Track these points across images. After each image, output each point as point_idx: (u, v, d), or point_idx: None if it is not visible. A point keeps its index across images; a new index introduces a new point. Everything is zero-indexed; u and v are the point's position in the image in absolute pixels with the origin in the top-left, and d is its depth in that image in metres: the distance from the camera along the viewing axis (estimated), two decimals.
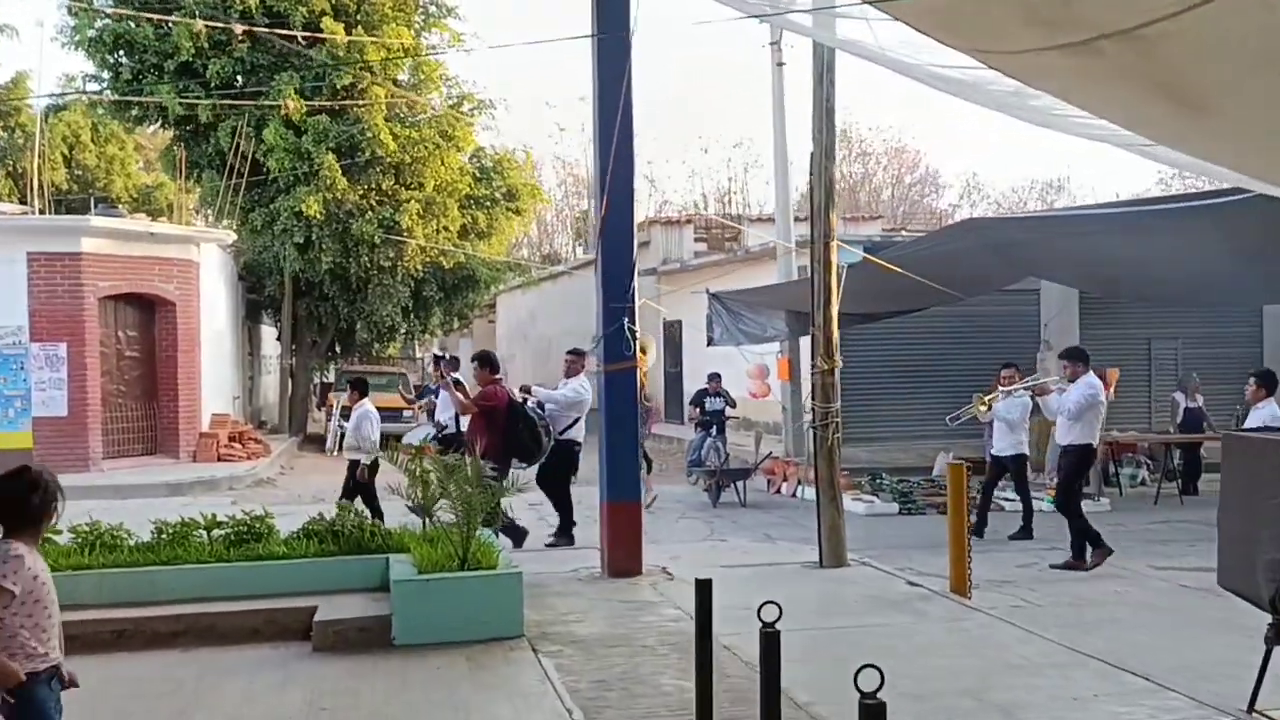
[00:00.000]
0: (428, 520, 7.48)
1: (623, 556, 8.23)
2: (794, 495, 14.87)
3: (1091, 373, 10.13)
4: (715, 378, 15.97)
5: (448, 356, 14.18)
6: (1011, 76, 5.80)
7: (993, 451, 11.46)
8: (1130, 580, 9.18)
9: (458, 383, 11.40)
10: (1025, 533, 11.12)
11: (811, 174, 8.63)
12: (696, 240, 26.35)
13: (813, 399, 8.82)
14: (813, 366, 8.81)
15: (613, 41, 8.04)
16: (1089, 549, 9.59)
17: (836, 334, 8.66)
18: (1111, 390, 15.45)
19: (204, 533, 7.33)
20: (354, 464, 10.30)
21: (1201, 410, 15.05)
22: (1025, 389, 11.84)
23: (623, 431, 8.36)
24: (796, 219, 19.60)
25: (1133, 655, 6.46)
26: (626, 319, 8.23)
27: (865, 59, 7.23)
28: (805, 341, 18.03)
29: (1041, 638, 6.39)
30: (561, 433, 10.38)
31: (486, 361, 9.96)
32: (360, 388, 10.88)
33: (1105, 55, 4.73)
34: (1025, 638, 6.40)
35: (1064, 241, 12.27)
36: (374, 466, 10.15)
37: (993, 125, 57.62)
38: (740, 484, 13.92)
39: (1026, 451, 11.82)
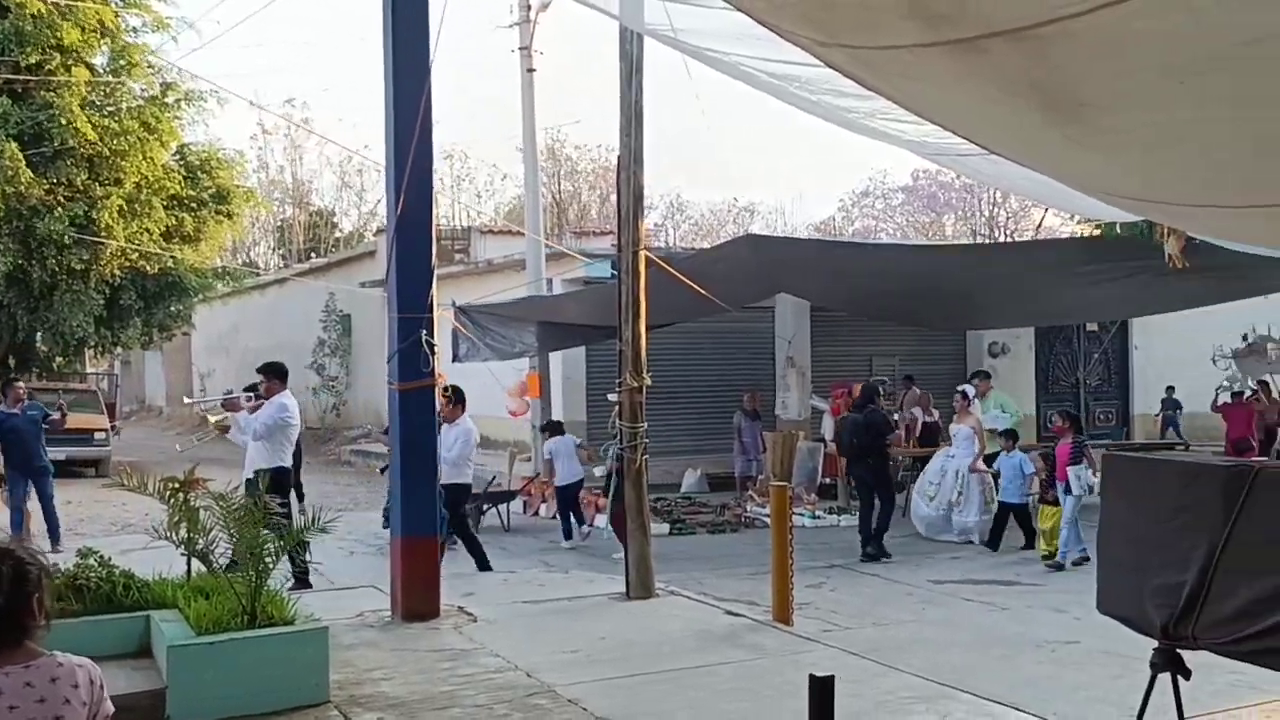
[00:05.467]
0: (193, 567, 6.32)
1: (419, 598, 7.33)
2: (554, 518, 14.28)
3: (288, 392, 8.87)
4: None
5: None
6: (860, 76, 5.49)
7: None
8: (920, 597, 9.26)
9: None
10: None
11: (619, 179, 8.11)
12: None
13: (619, 419, 8.27)
14: (619, 385, 8.27)
15: (412, 19, 7.19)
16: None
17: (646, 349, 8.17)
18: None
19: None
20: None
21: (937, 424, 15.80)
22: (211, 402, 11.81)
23: (419, 458, 7.46)
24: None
25: (965, 678, 6.36)
26: (424, 332, 7.35)
27: (683, 52, 6.81)
28: (554, 358, 17.60)
29: (897, 670, 6.13)
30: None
31: None
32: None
33: (990, 55, 4.44)
34: (880, 670, 6.13)
35: (827, 263, 12.60)
36: None
37: (691, 147, 59.68)
38: (504, 508, 13.18)
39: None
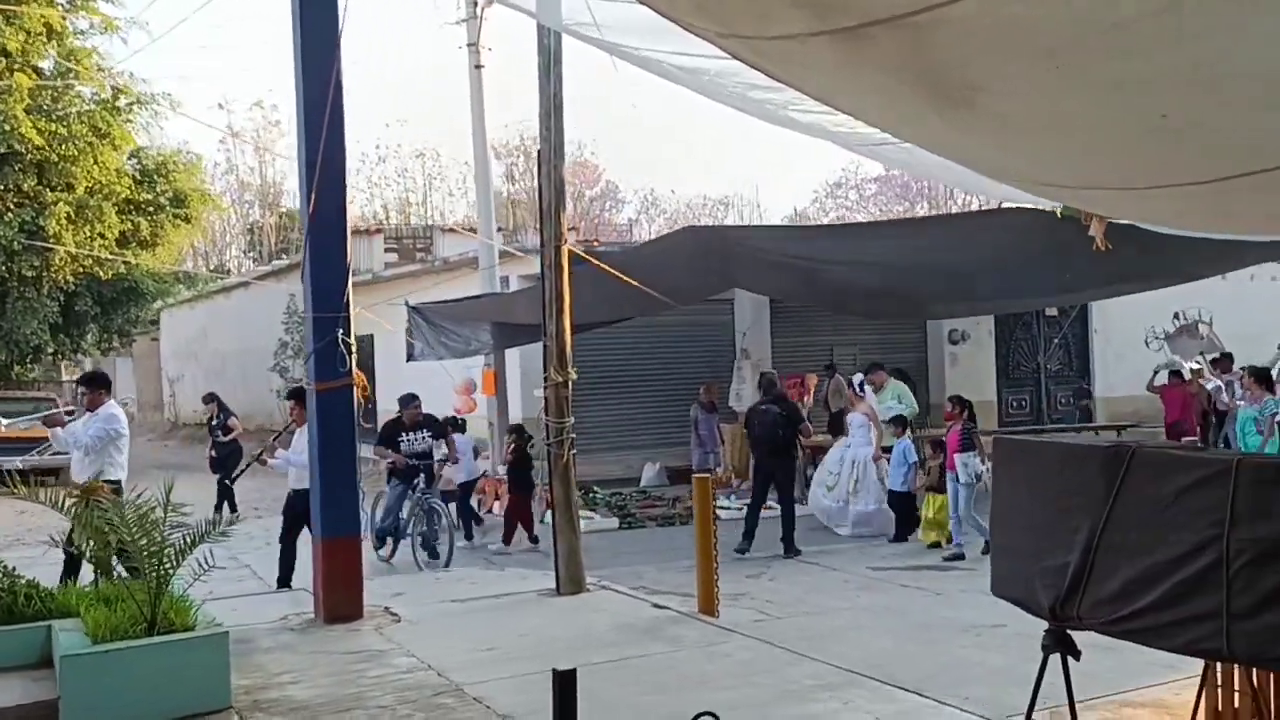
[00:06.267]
0: (100, 576, 6.25)
1: (341, 599, 7.27)
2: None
3: (113, 401, 8.54)
4: (412, 401, 11.53)
5: None
6: (763, 67, 5.48)
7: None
8: (857, 584, 9.25)
9: None
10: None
11: (541, 173, 8.06)
12: (387, 250, 25.13)
13: (545, 414, 8.22)
14: (545, 380, 8.22)
15: (320, 8, 7.11)
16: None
17: (570, 344, 8.13)
18: (810, 396, 16.06)
19: None
20: None
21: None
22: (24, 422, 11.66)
23: (338, 459, 7.40)
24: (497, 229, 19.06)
25: (886, 663, 6.37)
26: (340, 331, 7.29)
27: (598, 47, 6.77)
28: (511, 354, 17.52)
29: (808, 658, 6.11)
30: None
31: None
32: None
33: (876, 43, 4.43)
34: (792, 659, 6.11)
35: (771, 255, 12.54)
36: None
37: (667, 142, 59.72)
38: (452, 506, 13.10)
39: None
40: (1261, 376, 10.70)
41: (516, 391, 17.83)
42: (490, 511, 14.52)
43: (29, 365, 23.25)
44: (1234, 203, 5.34)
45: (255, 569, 10.33)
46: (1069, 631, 4.74)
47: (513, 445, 12.31)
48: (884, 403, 12.79)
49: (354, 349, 7.36)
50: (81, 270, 20.14)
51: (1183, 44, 3.69)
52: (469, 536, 12.13)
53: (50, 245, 18.92)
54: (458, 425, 13.08)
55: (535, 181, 8.04)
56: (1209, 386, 12.61)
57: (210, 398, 15.12)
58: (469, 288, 17.55)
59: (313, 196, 7.16)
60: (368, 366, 23.43)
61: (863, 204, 47.42)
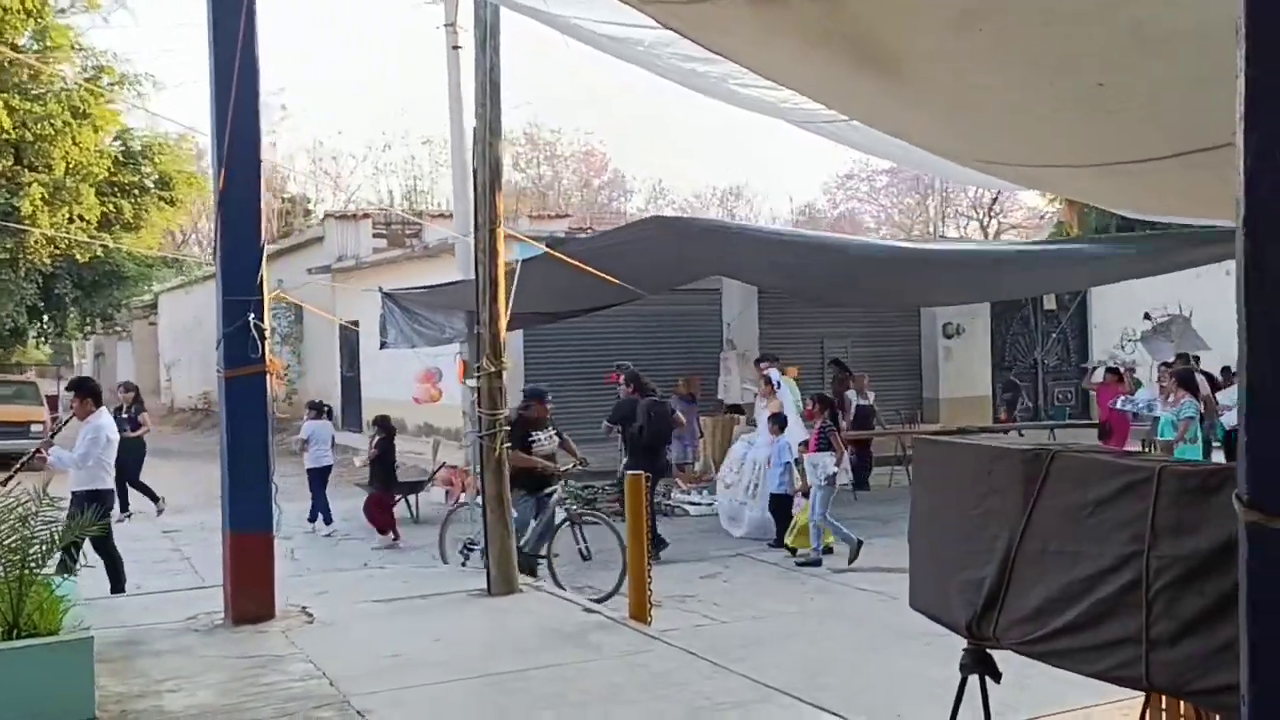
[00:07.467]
0: None
1: (250, 599, 6.86)
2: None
3: None
4: (541, 395, 9.48)
5: None
6: (692, 35, 5.06)
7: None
8: (813, 586, 8.83)
9: None
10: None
11: (475, 152, 7.62)
12: (376, 236, 24.68)
13: (478, 405, 7.80)
14: (478, 369, 7.80)
15: None
16: None
17: (504, 332, 7.70)
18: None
19: None
20: None
21: (871, 407, 15.32)
22: None
23: (249, 449, 6.99)
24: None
25: (821, 674, 5.98)
26: (253, 315, 6.88)
27: (532, 17, 6.35)
28: None
29: (728, 671, 5.67)
30: None
31: None
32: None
33: (791, 8, 4.03)
34: (711, 672, 5.67)
35: (744, 245, 12.09)
36: None
37: (676, 131, 58.99)
38: (413, 498, 12.74)
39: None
40: (1185, 380, 9.90)
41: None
42: (460, 502, 14.12)
43: (7, 348, 22.93)
44: (1181, 183, 4.87)
45: (194, 563, 10.00)
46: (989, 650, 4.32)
47: (377, 438, 11.88)
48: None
49: (267, 334, 6.95)
50: (58, 252, 19.78)
51: (1115, 5, 3.32)
52: (314, 519, 12.28)
53: (25, 226, 18.57)
54: (319, 409, 13.11)
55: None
56: (1124, 407, 11.92)
57: (129, 387, 14.83)
58: (451, 274, 17.13)
59: (222, 172, 6.74)
60: (352, 349, 23.07)
61: (873, 195, 46.76)
